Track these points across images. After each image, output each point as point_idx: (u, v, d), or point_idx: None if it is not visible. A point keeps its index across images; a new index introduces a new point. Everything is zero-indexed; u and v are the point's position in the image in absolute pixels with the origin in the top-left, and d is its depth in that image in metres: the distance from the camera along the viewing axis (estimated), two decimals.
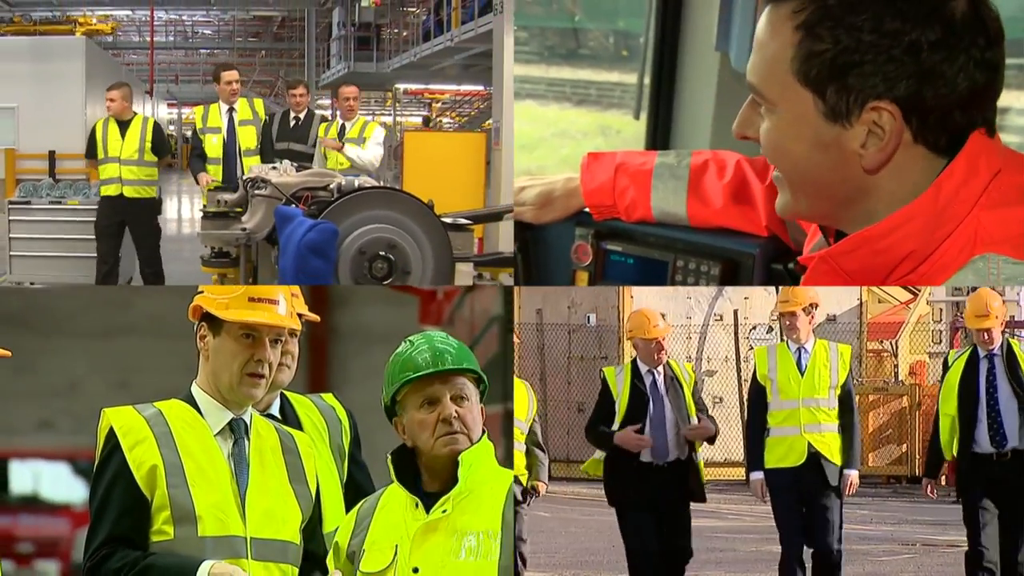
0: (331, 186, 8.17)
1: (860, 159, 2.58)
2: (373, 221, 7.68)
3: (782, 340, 7.42)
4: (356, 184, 8.18)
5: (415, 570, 3.05)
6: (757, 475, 7.16)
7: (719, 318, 16.59)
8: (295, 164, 9.30)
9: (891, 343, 17.40)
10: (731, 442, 14.52)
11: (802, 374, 7.15)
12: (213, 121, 12.05)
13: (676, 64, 5.40)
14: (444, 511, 3.07)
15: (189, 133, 63.51)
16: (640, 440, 6.91)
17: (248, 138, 12.02)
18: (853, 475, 7.08)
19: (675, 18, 5.33)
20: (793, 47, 2.58)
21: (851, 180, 2.61)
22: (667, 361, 7.10)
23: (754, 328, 16.34)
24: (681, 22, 5.34)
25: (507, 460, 7.56)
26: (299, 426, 3.75)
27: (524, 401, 7.72)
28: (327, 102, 51.36)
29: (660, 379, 7.04)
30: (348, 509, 3.57)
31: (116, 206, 12.25)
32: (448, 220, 8.19)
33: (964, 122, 2.57)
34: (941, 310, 17.10)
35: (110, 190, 12.27)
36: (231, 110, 12.07)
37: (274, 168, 8.98)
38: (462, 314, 9.24)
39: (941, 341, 16.80)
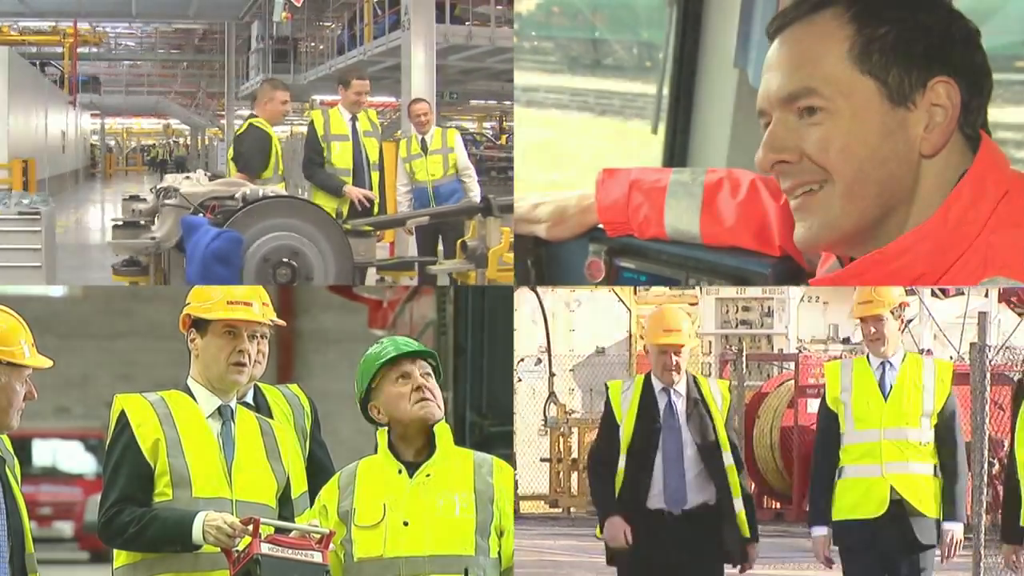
0: (237, 195, 8.21)
1: (921, 144, 2.64)
2: (276, 229, 7.79)
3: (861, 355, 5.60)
4: (261, 193, 8.25)
5: (405, 523, 3.68)
6: (819, 531, 5.47)
7: None
8: (208, 173, 9.39)
9: None
10: (535, 472, 14.29)
11: (886, 397, 5.42)
12: (338, 128, 10.94)
13: (694, 79, 5.35)
14: (428, 475, 3.73)
15: (156, 142, 61.94)
16: (620, 540, 5.34)
17: (373, 150, 11.05)
18: (956, 530, 5.37)
19: (694, 34, 5.29)
20: (849, 39, 2.64)
21: (910, 171, 2.64)
22: (694, 378, 5.44)
23: (522, 360, 14.97)
24: (700, 38, 5.29)
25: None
26: (269, 412, 4.37)
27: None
28: (245, 112, 51.67)
29: (679, 401, 5.37)
30: (310, 480, 4.33)
31: None
32: (350, 226, 8.43)
33: (982, 119, 2.70)
34: (711, 343, 15.91)
35: None
36: (353, 119, 11.02)
37: (187, 178, 9.04)
38: (404, 319, 9.92)
39: (711, 374, 15.06)
